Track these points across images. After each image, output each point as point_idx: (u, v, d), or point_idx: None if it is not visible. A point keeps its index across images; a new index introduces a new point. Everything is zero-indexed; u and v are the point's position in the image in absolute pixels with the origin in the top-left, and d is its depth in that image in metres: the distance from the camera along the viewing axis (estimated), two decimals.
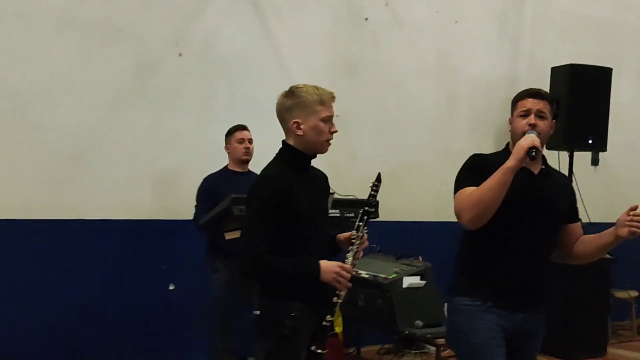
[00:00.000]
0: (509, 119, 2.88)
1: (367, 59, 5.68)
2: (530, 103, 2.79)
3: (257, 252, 2.52)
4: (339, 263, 2.62)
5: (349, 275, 2.62)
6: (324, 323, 2.64)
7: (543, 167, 2.87)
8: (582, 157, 6.53)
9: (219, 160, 4.56)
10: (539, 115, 2.78)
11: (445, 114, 5.96)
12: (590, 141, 6.01)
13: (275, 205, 2.54)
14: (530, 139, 2.67)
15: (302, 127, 2.61)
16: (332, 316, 2.64)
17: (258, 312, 2.66)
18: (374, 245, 5.08)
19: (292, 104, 2.62)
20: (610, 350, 6.03)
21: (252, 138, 4.48)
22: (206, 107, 5.01)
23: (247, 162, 4.47)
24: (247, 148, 4.43)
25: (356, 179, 4.88)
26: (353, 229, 2.72)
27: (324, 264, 2.59)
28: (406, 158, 5.81)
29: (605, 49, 6.73)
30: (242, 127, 4.47)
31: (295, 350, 2.60)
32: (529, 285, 2.79)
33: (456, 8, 6.08)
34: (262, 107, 5.04)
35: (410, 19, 5.87)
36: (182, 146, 4.91)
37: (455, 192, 2.80)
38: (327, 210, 2.87)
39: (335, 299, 2.64)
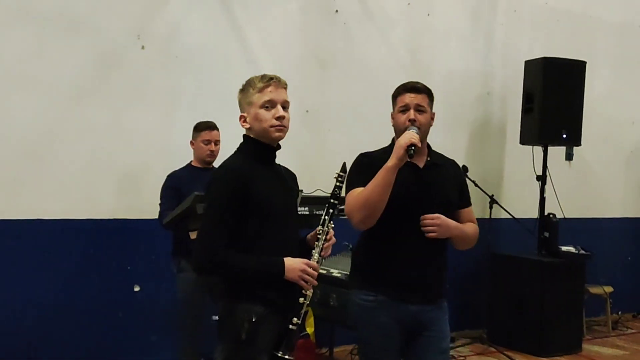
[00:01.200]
0: (391, 114, 2.93)
1: (338, 52, 5.56)
2: (408, 98, 2.85)
3: (213, 246, 2.39)
4: (305, 260, 2.50)
5: (315, 273, 2.49)
6: (291, 327, 2.49)
7: (428, 158, 2.95)
8: (557, 152, 6.48)
9: (186, 156, 4.41)
10: (418, 109, 2.84)
11: None
12: (564, 136, 5.97)
13: (232, 197, 2.42)
14: (408, 136, 2.71)
15: (247, 120, 2.54)
16: (298, 319, 2.50)
17: (217, 317, 2.53)
18: (347, 243, 4.97)
19: (240, 99, 2.59)
20: (586, 346, 6.02)
21: (220, 139, 4.33)
22: (171, 102, 4.84)
23: (210, 163, 4.33)
24: (212, 151, 4.29)
25: (327, 174, 4.67)
26: (318, 226, 2.60)
27: (289, 261, 2.46)
28: None
29: (579, 42, 6.70)
30: (211, 127, 4.31)
31: (254, 356, 2.46)
32: (421, 278, 2.85)
33: (428, 1, 5.99)
34: (229, 101, 4.89)
35: (382, 11, 5.75)
36: (146, 142, 4.74)
37: (345, 193, 2.83)
38: (296, 209, 2.72)
39: (301, 300, 2.50)
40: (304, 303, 2.50)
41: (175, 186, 4.19)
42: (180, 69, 4.86)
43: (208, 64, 4.96)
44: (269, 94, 2.50)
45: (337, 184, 2.63)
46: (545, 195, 6.06)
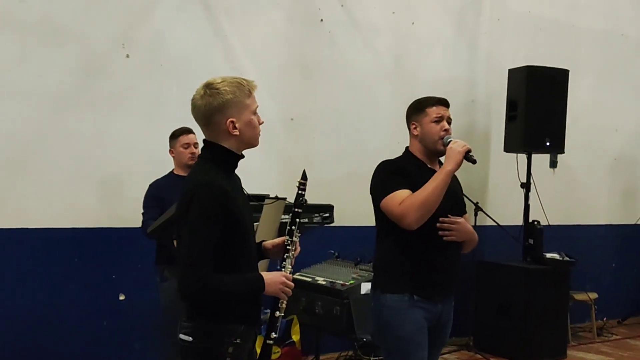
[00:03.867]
0: (412, 123, 3.12)
1: (323, 60, 5.58)
2: (442, 110, 3.09)
3: (201, 273, 2.22)
4: (282, 273, 2.44)
5: (292, 285, 2.45)
6: (268, 342, 2.46)
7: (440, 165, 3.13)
8: (541, 160, 6.52)
9: (171, 165, 4.41)
10: (448, 121, 3.10)
11: (402, 118, 5.84)
12: (547, 143, 6.01)
13: (217, 217, 2.26)
14: (461, 143, 2.97)
15: (237, 125, 2.35)
16: (276, 332, 2.47)
17: (189, 339, 2.33)
18: (332, 251, 4.98)
19: (222, 103, 2.34)
20: (570, 352, 6.05)
21: (198, 142, 4.32)
22: (155, 110, 4.84)
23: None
24: (193, 153, 4.28)
25: (313, 183, 4.70)
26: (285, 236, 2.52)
27: (268, 275, 2.38)
28: (363, 162, 5.66)
29: (562, 50, 6.76)
30: (188, 131, 4.31)
31: None
32: (448, 277, 3.10)
33: (413, 10, 6.02)
34: None
35: (367, 20, 5.78)
36: (131, 151, 4.74)
37: (382, 196, 2.97)
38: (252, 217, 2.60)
39: (277, 314, 2.46)
40: (279, 317, 2.47)
41: (157, 195, 4.19)
42: (165, 77, 4.86)
43: (193, 72, 4.94)
44: (255, 102, 2.43)
45: (300, 192, 2.54)
46: (529, 202, 6.09)
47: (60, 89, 4.51)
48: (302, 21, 5.48)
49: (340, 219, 4.97)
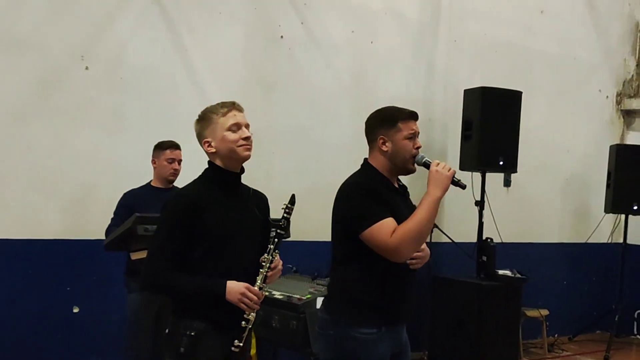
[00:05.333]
0: (382, 137, 2.84)
1: (283, 77, 5.65)
2: (414, 125, 2.85)
3: (158, 266, 2.55)
4: (246, 284, 2.59)
5: (255, 298, 2.58)
6: (233, 348, 2.59)
7: (399, 182, 2.97)
8: (495, 178, 6.66)
9: (133, 177, 4.44)
10: (418, 136, 2.87)
11: (362, 134, 5.94)
12: (501, 162, 6.13)
13: (183, 222, 2.56)
14: (448, 167, 2.76)
15: (212, 144, 2.65)
16: (240, 341, 2.59)
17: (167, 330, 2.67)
18: (290, 266, 5.01)
19: (201, 126, 2.68)
20: None
21: (182, 158, 4.35)
22: (116, 123, 4.84)
23: (172, 182, 4.34)
24: (176, 170, 4.32)
25: (272, 198, 4.79)
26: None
27: (230, 284, 2.56)
28: (323, 178, 5.77)
29: (516, 72, 6.93)
30: (175, 146, 4.35)
31: None
32: (409, 301, 2.90)
33: (372, 29, 6.13)
34: (176, 123, 4.95)
35: (326, 38, 5.87)
36: (91, 163, 4.73)
37: (365, 226, 2.71)
38: (255, 234, 2.72)
39: (243, 323, 2.59)
40: (246, 327, 2.59)
41: (129, 205, 4.17)
42: (125, 90, 4.87)
43: (153, 85, 4.98)
44: (234, 117, 2.64)
45: (285, 215, 2.70)
46: (483, 220, 6.21)
47: (18, 100, 4.51)
48: (262, 37, 5.55)
49: (299, 234, 5.00)
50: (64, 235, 4.63)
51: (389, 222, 2.70)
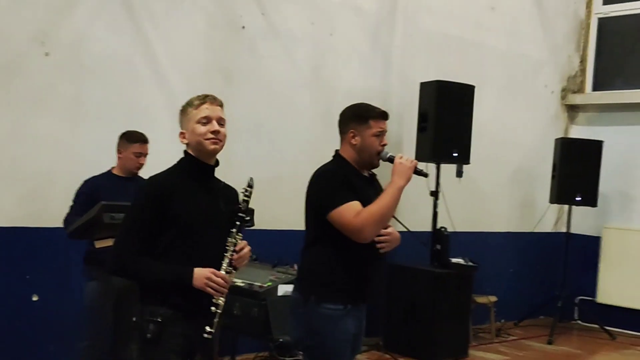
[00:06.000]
0: (352, 131, 3.08)
1: (243, 67, 5.67)
2: (384, 124, 3.11)
3: (125, 251, 2.61)
4: (212, 270, 2.63)
5: (222, 282, 2.63)
6: (205, 335, 2.62)
7: (369, 172, 3.21)
8: (448, 169, 6.82)
9: (92, 165, 4.41)
10: (385, 135, 3.12)
11: (320, 125, 6.04)
12: (455, 154, 6.32)
13: (151, 208, 2.61)
14: (410, 159, 3.06)
15: (186, 136, 2.73)
16: (211, 327, 2.63)
17: (134, 318, 2.70)
18: (251, 254, 5.06)
19: (180, 118, 2.78)
20: (471, 352, 6.35)
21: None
22: (76, 110, 4.78)
23: (136, 174, 4.33)
24: (142, 164, 4.31)
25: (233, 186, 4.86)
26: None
27: (197, 270, 2.61)
28: (282, 167, 5.85)
29: (468, 67, 7.11)
30: (144, 140, 4.33)
31: (161, 356, 2.61)
32: (372, 281, 3.18)
33: (331, 21, 6.21)
34: (136, 111, 4.94)
35: (287, 29, 5.92)
36: (50, 150, 4.67)
37: (332, 207, 2.96)
38: (222, 225, 2.76)
39: (213, 309, 2.63)
40: (215, 312, 2.63)
41: (90, 193, 4.14)
42: (86, 77, 4.82)
43: (115, 73, 4.95)
44: (205, 110, 2.69)
45: (245, 198, 2.76)
46: (437, 209, 6.39)
47: None
48: (224, 27, 5.56)
49: (258, 223, 5.06)
50: (22, 223, 4.56)
51: (354, 205, 2.95)
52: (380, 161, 3.12)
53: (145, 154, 4.32)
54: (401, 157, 3.05)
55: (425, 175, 3.15)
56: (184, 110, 2.75)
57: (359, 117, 3.09)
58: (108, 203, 3.73)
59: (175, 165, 2.77)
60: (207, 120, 2.68)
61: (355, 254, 3.04)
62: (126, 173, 4.33)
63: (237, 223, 2.72)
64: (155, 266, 2.61)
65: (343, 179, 3.03)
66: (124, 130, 4.39)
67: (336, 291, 3.04)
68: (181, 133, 2.75)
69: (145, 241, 2.60)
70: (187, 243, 2.63)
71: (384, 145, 3.09)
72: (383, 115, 3.11)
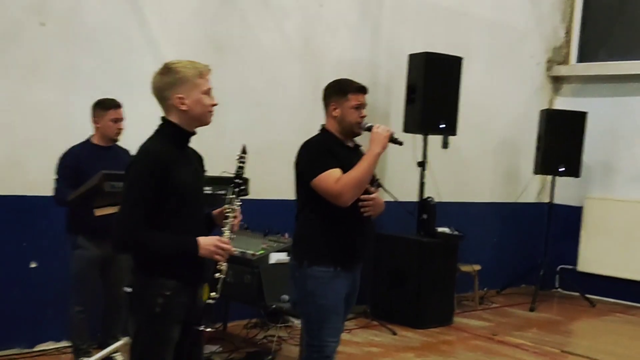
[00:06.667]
0: (332, 104, 3.31)
1: (234, 38, 5.71)
2: (362, 98, 3.33)
3: (131, 227, 2.55)
4: (217, 237, 2.68)
5: (227, 247, 2.69)
6: (209, 301, 2.69)
7: (353, 142, 3.43)
8: (434, 140, 6.91)
9: (85, 133, 4.45)
10: (364, 107, 3.35)
11: (309, 96, 6.10)
12: (442, 126, 6.41)
13: (152, 181, 2.56)
14: (386, 128, 3.27)
15: (186, 102, 2.63)
16: (217, 293, 2.70)
17: (130, 290, 2.66)
18: (242, 222, 5.16)
19: (173, 80, 2.63)
20: (456, 319, 6.53)
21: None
22: (70, 79, 4.82)
23: (116, 140, 4.39)
24: (120, 129, 4.36)
25: (225, 156, 4.84)
26: (225, 204, 2.78)
27: (202, 239, 2.64)
28: (271, 137, 5.92)
29: (456, 38, 7.18)
30: (118, 105, 4.37)
31: (166, 328, 2.63)
32: (364, 248, 3.41)
33: None
34: (129, 81, 4.98)
35: (277, 1, 5.95)
36: (44, 119, 4.71)
37: (314, 174, 3.19)
38: (203, 189, 2.87)
39: (217, 275, 2.69)
40: (219, 278, 2.69)
41: (73, 164, 4.22)
42: (80, 47, 4.85)
43: (108, 43, 4.98)
44: (208, 82, 2.69)
45: (240, 164, 2.84)
46: (424, 180, 6.51)
47: None
48: None
49: (250, 192, 5.16)
50: (17, 191, 4.62)
51: (335, 172, 3.18)
52: (362, 131, 3.34)
53: (121, 119, 4.37)
54: (378, 127, 3.26)
55: (400, 143, 3.36)
56: (180, 75, 2.62)
57: (339, 91, 3.32)
58: (109, 172, 3.78)
59: (159, 133, 2.69)
60: (209, 92, 2.69)
61: (341, 219, 3.24)
62: (106, 141, 4.38)
63: (236, 190, 2.78)
64: (161, 238, 2.59)
65: (325, 148, 3.26)
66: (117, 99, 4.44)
67: (325, 255, 3.26)
68: (178, 97, 2.62)
69: (148, 214, 2.56)
70: (184, 211, 2.64)
71: (363, 117, 3.31)
72: (361, 90, 3.33)
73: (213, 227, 2.86)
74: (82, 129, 4.47)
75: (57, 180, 4.25)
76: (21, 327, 4.69)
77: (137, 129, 4.32)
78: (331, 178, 3.16)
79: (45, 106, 4.71)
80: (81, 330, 4.34)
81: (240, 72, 5.74)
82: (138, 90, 4.75)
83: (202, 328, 2.70)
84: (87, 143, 4.40)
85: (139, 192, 2.56)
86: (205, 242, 2.64)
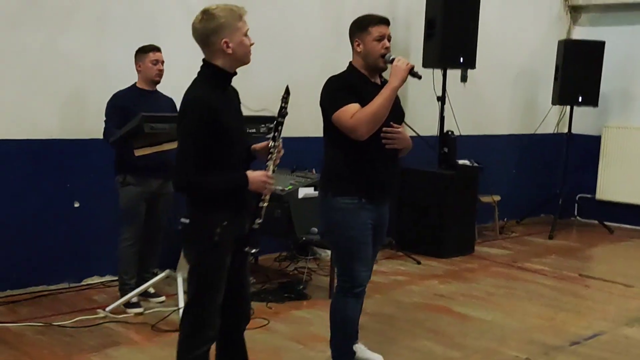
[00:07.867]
0: (356, 41, 3.35)
1: None
2: (384, 29, 3.34)
3: (189, 172, 2.75)
4: (264, 172, 2.90)
5: (273, 181, 2.92)
6: (254, 226, 2.94)
7: (381, 79, 3.45)
8: (452, 74, 6.99)
9: (120, 79, 4.63)
10: (389, 39, 3.36)
11: (331, 34, 6.19)
12: (461, 60, 6.50)
13: (205, 127, 2.73)
14: (404, 61, 3.28)
15: (230, 45, 2.78)
16: (260, 218, 2.94)
17: (187, 221, 2.88)
18: None
19: (216, 26, 2.76)
20: (477, 248, 6.76)
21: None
22: (102, 27, 4.96)
23: (158, 82, 4.58)
24: (161, 70, 4.54)
25: (251, 95, 5.02)
26: (269, 140, 2.97)
27: (251, 174, 2.86)
28: (294, 74, 5.98)
29: None
30: (157, 49, 4.54)
31: (222, 255, 2.88)
32: (389, 182, 3.48)
33: None
34: (157, 28, 5.12)
35: None
36: (81, 66, 4.88)
37: (333, 110, 3.26)
38: (245, 129, 3.09)
39: (261, 204, 2.93)
40: (263, 206, 2.94)
41: (121, 105, 4.42)
42: None
43: None
44: (246, 24, 2.85)
45: (283, 104, 3.00)
46: (444, 114, 6.64)
47: (8, 6, 4.57)
48: None
49: None
50: (60, 135, 4.83)
51: (352, 107, 3.23)
52: (388, 65, 3.36)
53: (161, 61, 4.54)
54: (399, 60, 3.28)
55: (419, 77, 3.33)
56: (223, 20, 2.75)
57: (360, 26, 3.35)
58: (148, 114, 3.98)
59: (202, 76, 2.83)
60: (247, 33, 2.85)
61: (365, 153, 3.31)
62: (149, 85, 4.57)
63: (279, 128, 2.98)
64: (217, 178, 2.79)
65: (346, 83, 3.32)
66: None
67: (349, 186, 3.35)
68: (225, 41, 2.75)
69: (203, 157, 2.74)
70: (232, 150, 2.85)
71: (387, 48, 3.32)
72: (382, 21, 3.35)
73: (252, 160, 3.07)
74: (118, 76, 4.65)
75: (106, 122, 4.47)
76: (69, 263, 4.97)
77: (170, 74, 4.54)
78: (348, 113, 3.22)
79: (81, 53, 4.86)
80: (129, 264, 4.58)
81: (262, 11, 5.83)
82: (166, 37, 4.95)
83: (247, 249, 2.94)
84: (133, 87, 4.59)
85: (192, 141, 2.74)
86: (254, 176, 2.86)
